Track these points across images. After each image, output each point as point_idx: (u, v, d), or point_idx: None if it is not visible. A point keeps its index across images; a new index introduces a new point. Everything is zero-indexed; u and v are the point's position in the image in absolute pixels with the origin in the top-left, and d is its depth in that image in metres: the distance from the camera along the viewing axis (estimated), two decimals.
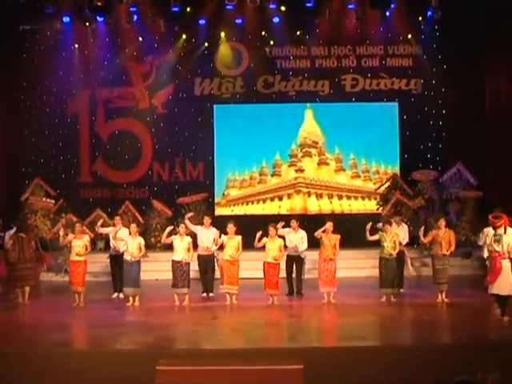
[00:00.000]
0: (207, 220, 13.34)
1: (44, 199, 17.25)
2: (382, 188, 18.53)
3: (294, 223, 13.08)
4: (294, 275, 13.14)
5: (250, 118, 19.21)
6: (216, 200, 19.41)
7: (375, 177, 19.43)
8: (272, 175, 19.52)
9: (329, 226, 11.78)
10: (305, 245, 13.02)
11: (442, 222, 11.85)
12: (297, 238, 12.96)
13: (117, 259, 13.26)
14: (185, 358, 7.63)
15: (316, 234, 11.76)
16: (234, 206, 19.49)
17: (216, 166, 19.40)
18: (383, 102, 19.27)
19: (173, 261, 11.71)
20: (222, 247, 12.49)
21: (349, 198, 19.43)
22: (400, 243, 12.74)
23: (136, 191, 19.49)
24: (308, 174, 19.45)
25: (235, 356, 7.59)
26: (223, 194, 19.51)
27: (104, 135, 19.53)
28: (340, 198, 19.43)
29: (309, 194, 19.39)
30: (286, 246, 12.99)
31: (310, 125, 19.41)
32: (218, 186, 19.47)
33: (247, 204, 19.53)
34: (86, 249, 12.47)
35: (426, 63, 19.23)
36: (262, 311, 11.50)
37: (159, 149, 19.51)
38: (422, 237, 11.90)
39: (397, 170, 19.14)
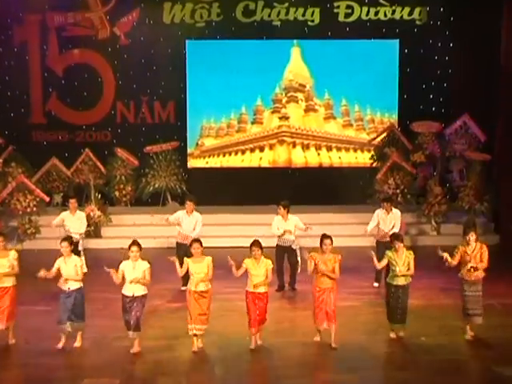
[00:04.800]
0: (189, 205, 12.75)
1: None
2: (378, 139, 18.24)
3: (281, 210, 12.65)
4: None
5: (228, 56, 18.56)
6: (189, 151, 19.12)
7: (370, 126, 19.05)
8: (252, 123, 19.14)
9: (328, 244, 9.89)
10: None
11: (472, 236, 10.22)
12: (287, 227, 12.62)
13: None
14: None
15: (308, 256, 10.10)
16: (208, 157, 19.19)
17: (188, 109, 18.88)
18: (381, 39, 18.61)
19: (122, 295, 9.75)
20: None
21: (339, 149, 19.13)
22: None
23: (97, 134, 19.08)
24: (293, 121, 19.07)
25: None
26: (197, 144, 19.15)
27: (58, 68, 18.79)
28: (329, 149, 19.13)
29: (294, 145, 19.10)
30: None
31: (296, 65, 18.87)
32: (191, 135, 19.06)
33: (224, 155, 19.20)
34: (13, 269, 10.11)
35: None
36: (240, 364, 9.57)
37: (123, 85, 18.85)
38: (449, 258, 10.21)
39: (394, 118, 18.82)
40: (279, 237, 12.67)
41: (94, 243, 15.65)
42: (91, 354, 9.79)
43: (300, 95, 19.02)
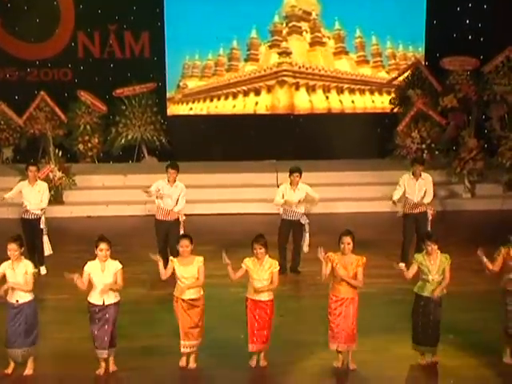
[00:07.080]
0: (172, 173, 12.26)
1: None
2: (400, 79, 17.88)
3: (297, 178, 12.17)
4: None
5: None
6: (168, 94, 18.66)
7: (390, 63, 18.62)
8: (246, 60, 18.73)
9: (346, 242, 9.15)
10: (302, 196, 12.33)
11: None
12: (296, 198, 12.20)
13: (31, 224, 12.21)
14: None
15: (320, 254, 9.23)
16: (192, 102, 18.81)
17: (167, 42, 18.30)
18: None
19: (89, 303, 9.15)
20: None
21: (352, 91, 18.76)
22: (424, 204, 12.27)
23: (54, 72, 18.59)
24: (296, 58, 18.59)
25: None
26: (178, 86, 18.74)
27: None
28: (340, 91, 18.76)
29: (297, 87, 18.65)
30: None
31: None
32: (171, 74, 18.54)
33: (211, 100, 18.84)
34: None
35: None
36: (237, 374, 9.17)
37: (85, 10, 18.22)
38: (489, 265, 9.37)
39: (421, 53, 18.30)
40: (284, 208, 12.31)
41: (54, 211, 14.80)
42: (58, 362, 9.36)
43: (304, 25, 18.52)
